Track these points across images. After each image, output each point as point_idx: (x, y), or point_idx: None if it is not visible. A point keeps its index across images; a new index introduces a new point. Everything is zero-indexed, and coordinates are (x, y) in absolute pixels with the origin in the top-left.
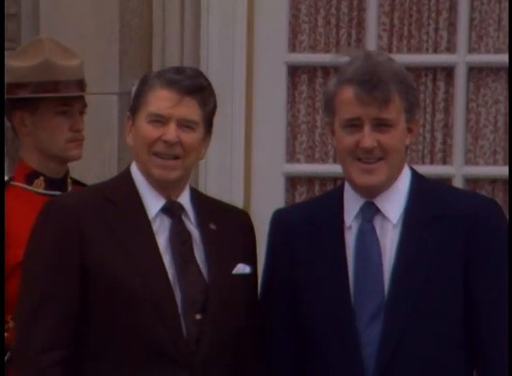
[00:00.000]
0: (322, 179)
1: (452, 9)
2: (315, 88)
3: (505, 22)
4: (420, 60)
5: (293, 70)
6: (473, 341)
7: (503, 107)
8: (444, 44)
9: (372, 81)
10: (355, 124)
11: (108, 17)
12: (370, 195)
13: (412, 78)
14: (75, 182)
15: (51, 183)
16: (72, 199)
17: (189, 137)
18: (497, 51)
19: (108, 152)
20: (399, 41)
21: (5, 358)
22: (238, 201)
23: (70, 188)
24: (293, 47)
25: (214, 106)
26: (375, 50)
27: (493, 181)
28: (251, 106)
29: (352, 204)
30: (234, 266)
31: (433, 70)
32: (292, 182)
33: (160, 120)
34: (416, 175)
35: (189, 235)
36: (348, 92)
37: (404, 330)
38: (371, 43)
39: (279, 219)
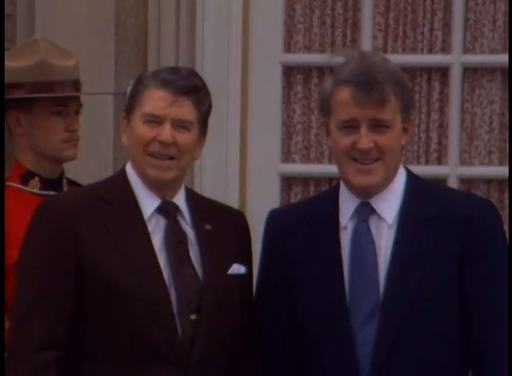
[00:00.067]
0: (318, 179)
1: (447, 9)
2: (310, 89)
3: (500, 22)
4: (414, 61)
5: (289, 71)
6: (468, 342)
7: (498, 108)
8: (439, 44)
9: (368, 81)
10: (351, 125)
11: (103, 17)
12: (366, 195)
13: (407, 79)
14: (70, 182)
15: (46, 183)
16: (67, 199)
17: (184, 137)
18: (492, 51)
19: (103, 152)
20: (394, 41)
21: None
22: (233, 201)
23: (65, 188)
24: (288, 47)
25: (209, 107)
26: (370, 50)
27: (488, 181)
28: (246, 106)
29: (348, 205)
30: (229, 266)
31: (428, 71)
32: (287, 182)
33: (155, 120)
34: (411, 176)
35: (184, 235)
36: (345, 93)
37: (399, 331)
38: (366, 43)
39: (275, 219)
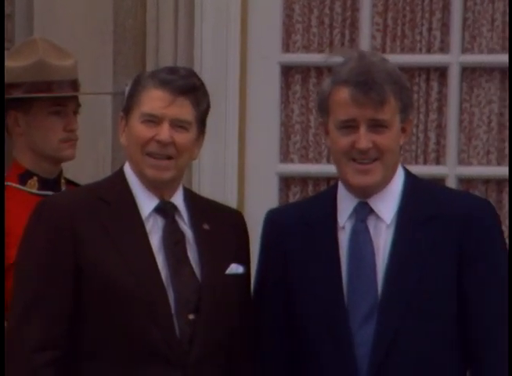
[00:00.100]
0: (316, 179)
1: (446, 9)
2: (308, 88)
3: (498, 22)
4: (413, 60)
5: (287, 70)
6: (467, 341)
7: (497, 107)
8: (437, 44)
9: (367, 82)
10: (350, 125)
11: (102, 17)
12: (364, 195)
13: (405, 79)
14: (69, 182)
15: (44, 183)
16: (65, 199)
17: (183, 137)
18: (490, 51)
19: (102, 152)
20: (393, 41)
21: None
22: (231, 201)
23: (63, 188)
24: (286, 47)
25: (208, 106)
26: (368, 50)
27: (486, 181)
28: (245, 106)
29: (346, 204)
30: (227, 266)
31: (426, 71)
32: (286, 182)
33: (153, 120)
34: (409, 176)
35: (182, 235)
36: (344, 93)
37: (397, 331)
38: (364, 43)
39: (273, 219)
